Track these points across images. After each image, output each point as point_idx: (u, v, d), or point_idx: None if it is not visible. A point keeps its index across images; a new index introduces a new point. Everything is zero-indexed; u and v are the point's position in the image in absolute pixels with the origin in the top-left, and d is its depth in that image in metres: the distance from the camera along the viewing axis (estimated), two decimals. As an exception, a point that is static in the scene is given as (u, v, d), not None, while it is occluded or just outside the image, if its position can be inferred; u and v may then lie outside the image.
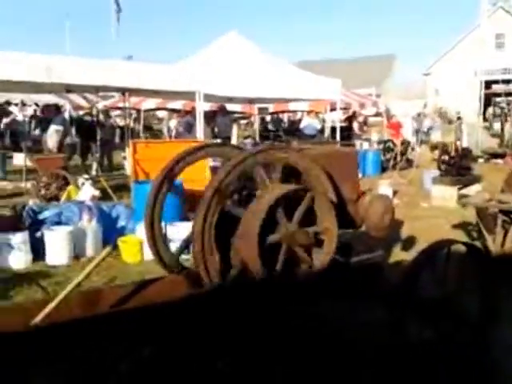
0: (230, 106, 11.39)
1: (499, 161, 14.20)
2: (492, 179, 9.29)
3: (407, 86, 31.54)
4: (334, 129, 12.60)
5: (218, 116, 9.44)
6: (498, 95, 20.95)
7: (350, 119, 16.69)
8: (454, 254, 3.04)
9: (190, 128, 9.07)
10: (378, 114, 18.80)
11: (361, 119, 17.77)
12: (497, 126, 18.77)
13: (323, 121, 15.48)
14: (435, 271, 2.91)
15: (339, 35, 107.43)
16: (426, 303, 2.99)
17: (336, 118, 12.53)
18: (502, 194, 5.35)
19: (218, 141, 7.81)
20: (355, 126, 16.64)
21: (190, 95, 8.56)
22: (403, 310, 2.73)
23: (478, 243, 5.46)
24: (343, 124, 15.68)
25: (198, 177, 6.01)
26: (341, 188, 3.17)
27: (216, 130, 8.93)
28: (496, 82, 27.41)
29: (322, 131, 15.23)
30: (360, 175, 10.73)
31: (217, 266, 2.71)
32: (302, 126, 16.07)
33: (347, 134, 15.06)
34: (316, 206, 2.86)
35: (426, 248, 2.94)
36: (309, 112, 16.67)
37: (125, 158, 10.63)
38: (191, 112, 9.38)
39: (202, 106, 8.23)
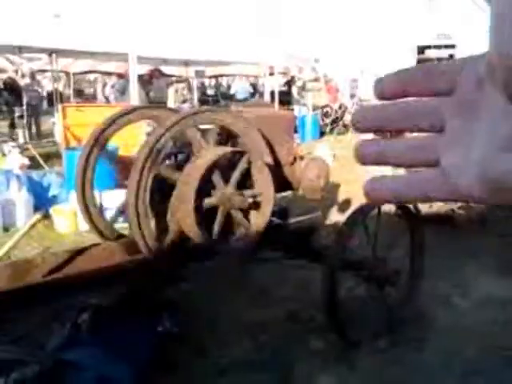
0: (165, 69, 11.00)
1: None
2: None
3: (344, 49, 31.82)
4: (273, 93, 12.57)
5: (154, 80, 9.11)
6: (431, 61, 21.69)
7: (289, 84, 16.68)
8: (384, 213, 3.18)
9: (124, 91, 8.70)
10: (316, 79, 18.90)
11: (300, 84, 17.80)
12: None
13: (254, 86, 15.46)
14: (367, 230, 3.03)
15: None
16: (358, 261, 3.13)
17: (275, 83, 12.49)
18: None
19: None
20: (294, 90, 16.67)
21: (122, 57, 8.18)
22: (336, 268, 2.83)
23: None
24: (282, 89, 15.65)
25: (133, 142, 5.84)
26: (277, 151, 3.18)
27: (151, 93, 8.63)
28: (429, 47, 28.27)
29: (253, 95, 15.18)
30: (299, 140, 10.92)
31: (153, 232, 2.67)
32: (233, 91, 16.00)
33: (286, 98, 15.06)
34: (252, 168, 2.85)
35: (358, 208, 3.04)
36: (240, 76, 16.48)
37: (54, 123, 10.09)
38: (124, 75, 8.97)
39: (135, 68, 7.89)
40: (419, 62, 30.21)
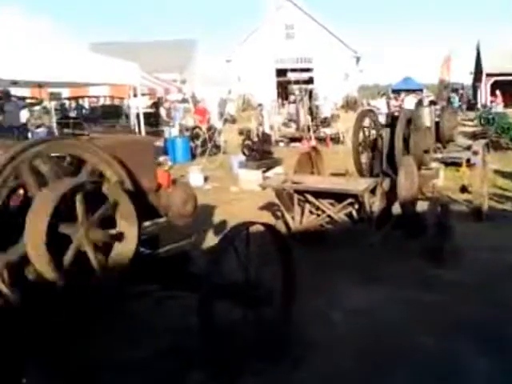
0: (15, 91, 10.06)
1: (297, 144, 15.56)
2: (291, 161, 10.08)
3: (211, 72, 32.53)
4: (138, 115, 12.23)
5: (5, 103, 8.24)
6: (293, 83, 23.02)
7: (157, 105, 16.40)
8: (254, 234, 3.16)
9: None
10: (184, 100, 18.89)
11: (167, 105, 17.60)
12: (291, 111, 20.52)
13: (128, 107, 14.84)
14: (237, 253, 2.98)
15: (137, 17, 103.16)
16: (231, 285, 3.06)
17: (139, 104, 12.14)
18: (295, 174, 5.81)
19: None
20: (162, 112, 16.41)
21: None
22: (210, 295, 2.74)
23: (281, 222, 5.88)
24: (149, 110, 15.33)
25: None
26: (138, 178, 3.02)
27: (1, 118, 7.80)
28: (291, 70, 30.12)
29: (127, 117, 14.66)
30: (170, 163, 10.73)
31: (4, 278, 2.32)
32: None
33: (154, 120, 14.76)
34: (112, 198, 2.64)
35: (227, 232, 2.99)
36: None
37: None
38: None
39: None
40: (282, 83, 31.92)
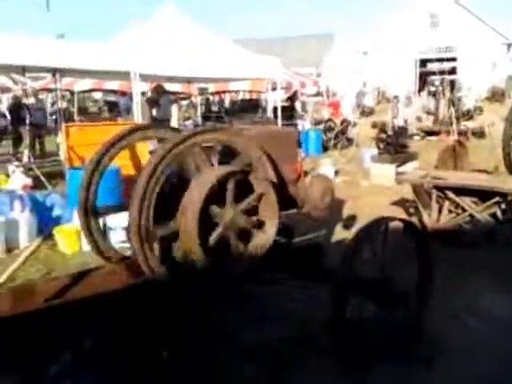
0: (168, 86, 11.06)
1: (434, 138, 14.74)
2: (428, 156, 9.63)
3: (347, 64, 32.01)
4: (276, 109, 12.60)
5: (160, 98, 9.12)
6: (433, 74, 21.69)
7: (292, 99, 16.72)
8: (391, 230, 3.11)
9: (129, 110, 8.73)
10: (318, 94, 18.97)
11: (303, 99, 17.82)
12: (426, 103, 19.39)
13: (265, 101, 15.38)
14: (374, 249, 2.96)
15: (274, 12, 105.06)
16: (366, 281, 3.06)
17: (277, 98, 12.51)
18: (436, 170, 5.55)
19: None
20: (298, 105, 16.68)
21: (125, 75, 8.23)
22: (344, 288, 2.77)
23: (415, 219, 5.67)
24: (285, 104, 15.66)
25: (136, 162, 5.83)
26: (281, 168, 3.14)
27: (154, 111, 8.65)
28: (430, 60, 28.42)
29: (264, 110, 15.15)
30: (303, 155, 10.89)
31: (156, 254, 2.63)
32: None
33: (290, 113, 15.06)
34: (257, 187, 2.81)
35: (364, 226, 2.98)
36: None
37: (59, 143, 10.13)
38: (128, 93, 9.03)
39: (137, 87, 7.94)
40: (421, 75, 30.31)
